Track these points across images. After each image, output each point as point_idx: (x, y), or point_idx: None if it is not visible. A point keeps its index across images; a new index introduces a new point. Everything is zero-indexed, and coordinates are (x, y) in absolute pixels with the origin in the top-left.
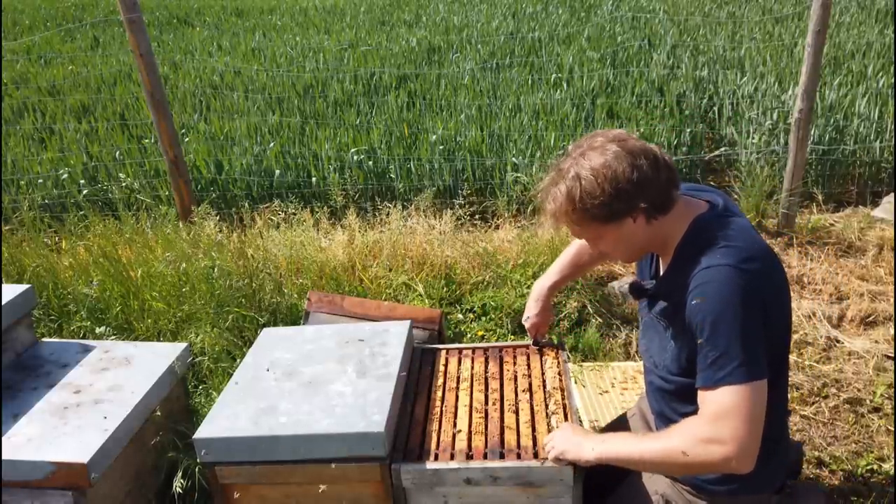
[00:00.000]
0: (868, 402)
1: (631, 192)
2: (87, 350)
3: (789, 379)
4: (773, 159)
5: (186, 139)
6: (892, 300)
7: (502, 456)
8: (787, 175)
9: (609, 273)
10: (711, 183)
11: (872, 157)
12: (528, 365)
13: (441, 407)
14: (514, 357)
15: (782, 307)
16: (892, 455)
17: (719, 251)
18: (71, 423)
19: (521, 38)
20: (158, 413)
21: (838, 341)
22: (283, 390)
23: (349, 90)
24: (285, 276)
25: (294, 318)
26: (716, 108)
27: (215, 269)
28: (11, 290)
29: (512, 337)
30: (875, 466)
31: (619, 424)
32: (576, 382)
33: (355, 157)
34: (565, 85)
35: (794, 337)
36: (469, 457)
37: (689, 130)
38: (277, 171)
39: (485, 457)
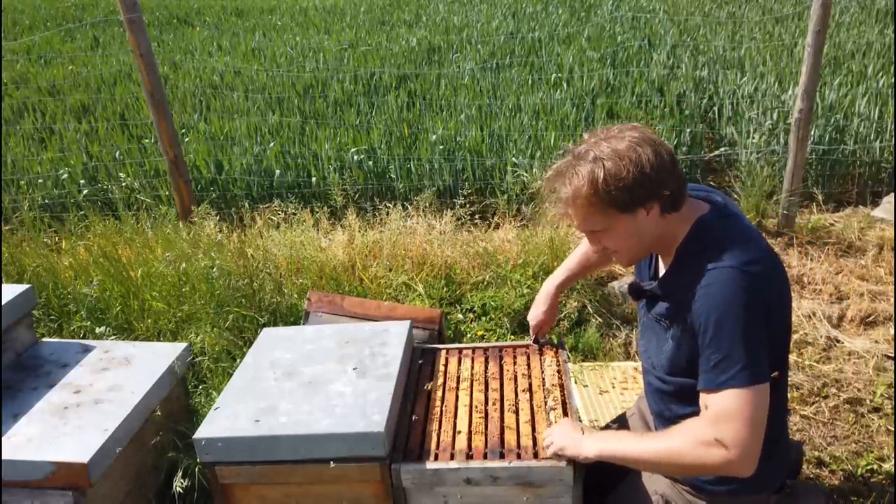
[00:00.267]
0: (868, 402)
1: (654, 179)
2: (87, 350)
3: (789, 379)
4: (773, 159)
5: (186, 139)
6: (892, 300)
7: (502, 456)
8: (787, 175)
9: (609, 273)
10: (711, 183)
11: (872, 157)
12: (528, 365)
13: (441, 407)
14: (514, 357)
15: (784, 308)
16: (892, 455)
17: (722, 253)
18: (71, 423)
19: (521, 38)
20: (158, 413)
21: (838, 341)
22: (283, 390)
23: (349, 90)
24: (285, 276)
25: (294, 318)
26: (716, 108)
27: (215, 269)
28: (11, 290)
29: (512, 337)
30: (875, 466)
31: (619, 424)
32: (576, 382)
33: (355, 157)
34: (565, 85)
35: (794, 337)
36: (469, 457)
37: (689, 130)
38: (277, 171)
39: (485, 457)
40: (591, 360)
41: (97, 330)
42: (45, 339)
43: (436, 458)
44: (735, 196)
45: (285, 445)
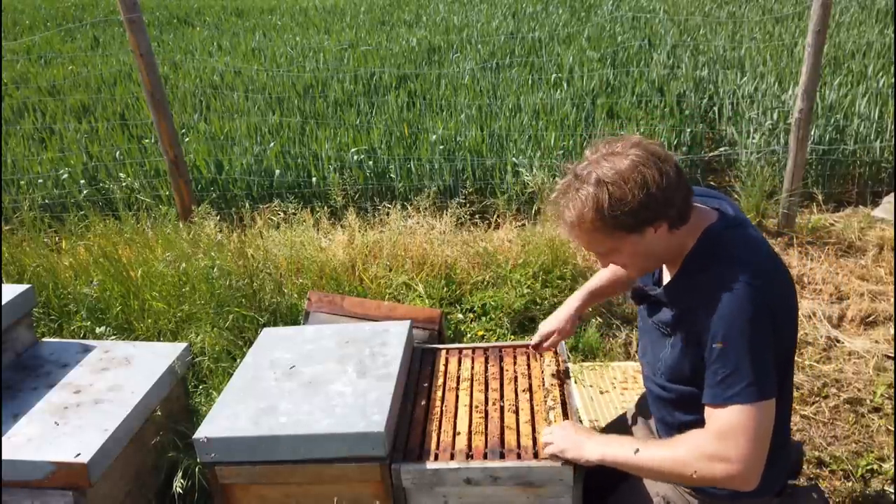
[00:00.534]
0: (868, 402)
1: (660, 200)
2: (87, 350)
3: None
4: (773, 159)
5: (186, 139)
6: (892, 300)
7: (502, 456)
8: (787, 175)
9: None
10: (711, 183)
11: (872, 157)
12: (528, 365)
13: (441, 407)
14: (514, 357)
15: (791, 319)
16: (892, 455)
17: (729, 265)
18: (71, 423)
19: (521, 38)
20: (158, 413)
21: (838, 341)
22: (283, 390)
23: (349, 90)
24: (285, 276)
25: (294, 318)
26: (716, 108)
27: (215, 269)
28: (11, 290)
29: (512, 337)
30: (875, 466)
31: (619, 424)
32: (576, 382)
33: (355, 157)
34: (565, 85)
35: None
36: (469, 457)
37: (689, 130)
38: (277, 171)
39: (485, 457)
40: (591, 360)
41: (97, 330)
42: (45, 339)
43: (436, 458)
44: (735, 196)
45: (285, 445)
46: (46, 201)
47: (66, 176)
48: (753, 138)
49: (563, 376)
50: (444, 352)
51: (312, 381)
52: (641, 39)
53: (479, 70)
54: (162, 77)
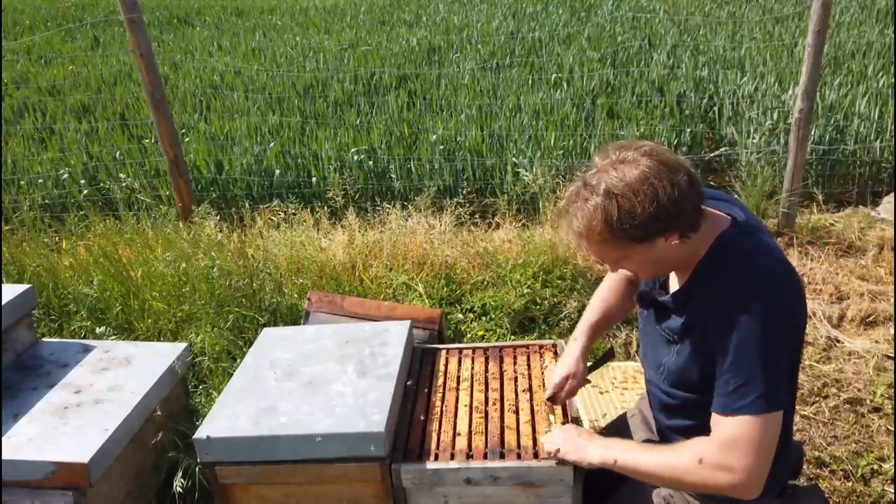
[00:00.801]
0: (868, 402)
1: (671, 212)
2: (87, 350)
3: None
4: (774, 159)
5: (186, 139)
6: (892, 300)
7: (502, 456)
8: (788, 175)
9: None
10: (711, 183)
11: (872, 157)
12: (529, 365)
13: (441, 407)
14: (514, 357)
15: (801, 328)
16: (892, 455)
17: (744, 274)
18: (71, 423)
19: (522, 38)
20: (158, 413)
21: (838, 341)
22: (283, 390)
23: (349, 90)
24: (285, 276)
25: (294, 318)
26: (716, 108)
27: (215, 269)
28: (11, 290)
29: (512, 337)
30: (875, 466)
31: (619, 424)
32: None
33: (355, 157)
34: (565, 85)
35: None
36: (469, 457)
37: (689, 130)
38: (277, 171)
39: (485, 457)
40: (592, 359)
41: (97, 330)
42: (45, 339)
43: (436, 458)
44: (735, 196)
45: (285, 445)
46: (46, 201)
47: (66, 176)
48: (753, 138)
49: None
50: (444, 352)
51: (312, 381)
52: (641, 39)
53: (479, 70)
54: (162, 77)
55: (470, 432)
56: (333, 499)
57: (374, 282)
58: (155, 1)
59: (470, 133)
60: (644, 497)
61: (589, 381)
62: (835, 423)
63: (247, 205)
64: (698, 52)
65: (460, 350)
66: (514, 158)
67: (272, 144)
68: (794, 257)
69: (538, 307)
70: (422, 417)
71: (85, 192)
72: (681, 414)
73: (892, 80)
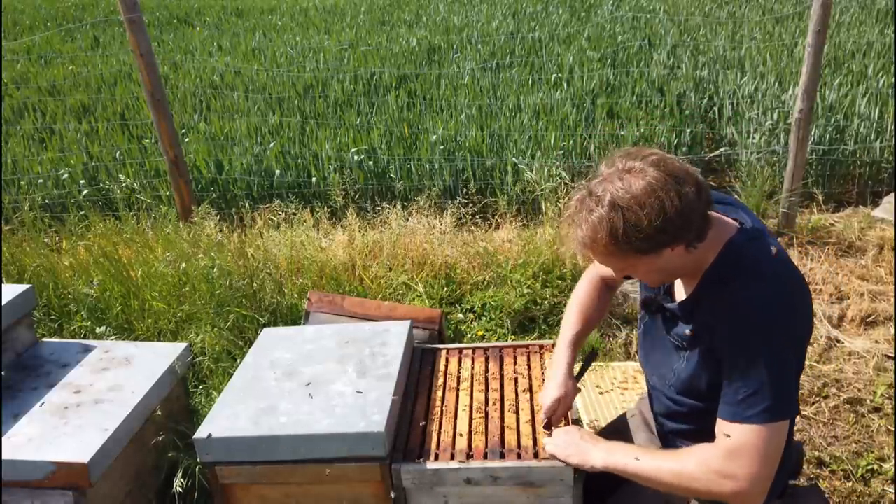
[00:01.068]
0: (868, 402)
1: (678, 224)
2: (87, 350)
3: None
4: (774, 159)
5: (186, 139)
6: (892, 300)
7: (502, 456)
8: (788, 175)
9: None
10: (711, 183)
11: (872, 157)
12: (529, 365)
13: (441, 407)
14: (515, 357)
15: (809, 334)
16: (892, 455)
17: (753, 281)
18: (71, 423)
19: (522, 38)
20: (159, 413)
21: (838, 341)
22: (283, 390)
23: (349, 90)
24: (285, 276)
25: (294, 318)
26: (716, 108)
27: (215, 269)
28: (11, 290)
29: (512, 337)
30: (875, 466)
31: (619, 424)
32: None
33: (355, 157)
34: (565, 85)
35: None
36: (469, 457)
37: (689, 130)
38: (277, 171)
39: (485, 457)
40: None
41: (97, 330)
42: (45, 339)
43: (436, 458)
44: (735, 196)
45: (285, 445)
46: (46, 201)
47: (66, 176)
48: (753, 138)
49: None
50: (444, 352)
51: (312, 381)
52: (641, 39)
53: (479, 70)
54: (162, 77)
55: (470, 432)
56: (333, 499)
57: (374, 282)
58: (155, 1)
59: (470, 133)
60: (644, 498)
61: (579, 390)
62: (835, 423)
63: (247, 205)
64: (698, 52)
65: (460, 350)
66: (514, 158)
67: (272, 144)
68: (794, 257)
69: (538, 307)
70: (422, 423)
71: (85, 192)
72: (686, 420)
73: (892, 80)
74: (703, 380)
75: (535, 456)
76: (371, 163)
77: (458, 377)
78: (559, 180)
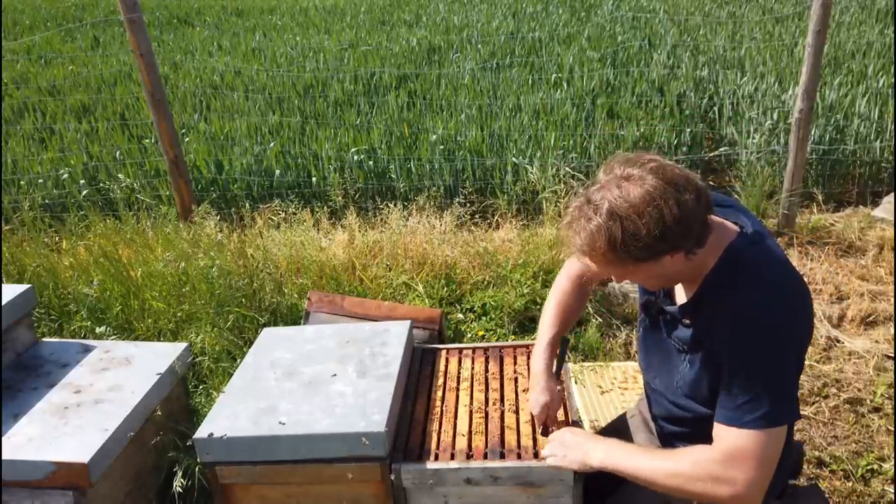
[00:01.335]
0: (868, 401)
1: (677, 232)
2: (87, 350)
3: None
4: (774, 159)
5: (186, 139)
6: (892, 300)
7: (502, 456)
8: (788, 175)
9: None
10: (711, 182)
11: (872, 157)
12: (529, 365)
13: (441, 407)
14: (515, 357)
15: (808, 338)
16: (892, 455)
17: (754, 287)
18: (71, 423)
19: (522, 38)
20: (159, 413)
21: (838, 341)
22: (283, 390)
23: (349, 90)
24: (285, 276)
25: (294, 318)
26: (716, 108)
27: (215, 269)
28: (11, 290)
29: (512, 337)
30: (875, 466)
31: (619, 425)
32: (576, 382)
33: (355, 157)
34: (565, 85)
35: None
36: (469, 457)
37: (689, 130)
38: (277, 171)
39: (485, 457)
40: (591, 360)
41: (97, 330)
42: (45, 339)
43: (436, 458)
44: (735, 196)
45: (285, 445)
46: (46, 201)
47: (66, 176)
48: (753, 138)
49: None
50: (444, 352)
51: (312, 381)
52: (641, 39)
53: (479, 70)
54: (162, 77)
55: (470, 432)
56: (333, 499)
57: (373, 282)
58: (155, 1)
59: (470, 133)
60: (644, 498)
61: (563, 384)
62: (835, 423)
63: (247, 205)
64: (698, 52)
65: (460, 350)
66: (514, 158)
67: (272, 144)
68: (794, 257)
69: (538, 307)
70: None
71: (85, 192)
72: (686, 424)
73: (892, 80)
74: (704, 384)
75: (535, 456)
76: (371, 163)
77: (458, 377)
78: (560, 180)
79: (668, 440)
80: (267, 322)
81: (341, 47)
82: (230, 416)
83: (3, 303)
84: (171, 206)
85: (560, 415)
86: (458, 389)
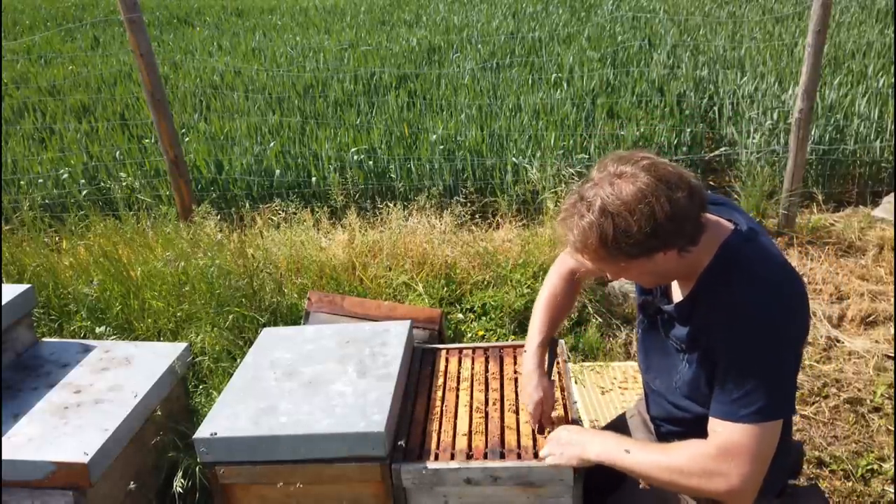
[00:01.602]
0: (868, 401)
1: (669, 229)
2: (87, 350)
3: None
4: (774, 159)
5: (186, 139)
6: (892, 300)
7: (502, 456)
8: (788, 175)
9: None
10: (711, 182)
11: (872, 157)
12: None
13: (441, 407)
14: (515, 357)
15: (804, 335)
16: (892, 455)
17: (749, 284)
18: (71, 423)
19: (522, 38)
20: (159, 413)
21: (838, 341)
22: (283, 390)
23: (349, 90)
24: (285, 275)
25: (294, 317)
26: (716, 108)
27: (215, 269)
28: (11, 290)
29: (512, 337)
30: (875, 466)
31: (619, 424)
32: (576, 382)
33: (355, 157)
34: (565, 85)
35: None
36: (469, 457)
37: (689, 130)
38: (277, 171)
39: (485, 457)
40: (592, 360)
41: (97, 330)
42: (45, 339)
43: (436, 458)
44: (735, 196)
45: (285, 445)
46: (46, 201)
47: (66, 176)
48: (753, 138)
49: (563, 376)
50: (444, 352)
51: (312, 381)
52: (641, 39)
53: (479, 70)
54: (162, 77)
55: (470, 432)
56: (333, 499)
57: (373, 282)
58: (155, 1)
59: (470, 133)
60: (643, 497)
61: (554, 381)
62: (835, 423)
63: (247, 205)
64: (698, 52)
65: (460, 350)
66: (514, 158)
67: (272, 144)
68: (794, 257)
69: None
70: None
71: (85, 191)
72: (685, 424)
73: (892, 80)
74: (702, 382)
75: (535, 456)
76: (371, 163)
77: (458, 377)
78: (560, 180)
79: (666, 440)
80: (267, 322)
81: (341, 47)
82: (230, 416)
83: (3, 303)
84: (171, 206)
85: (560, 415)
86: (458, 389)
